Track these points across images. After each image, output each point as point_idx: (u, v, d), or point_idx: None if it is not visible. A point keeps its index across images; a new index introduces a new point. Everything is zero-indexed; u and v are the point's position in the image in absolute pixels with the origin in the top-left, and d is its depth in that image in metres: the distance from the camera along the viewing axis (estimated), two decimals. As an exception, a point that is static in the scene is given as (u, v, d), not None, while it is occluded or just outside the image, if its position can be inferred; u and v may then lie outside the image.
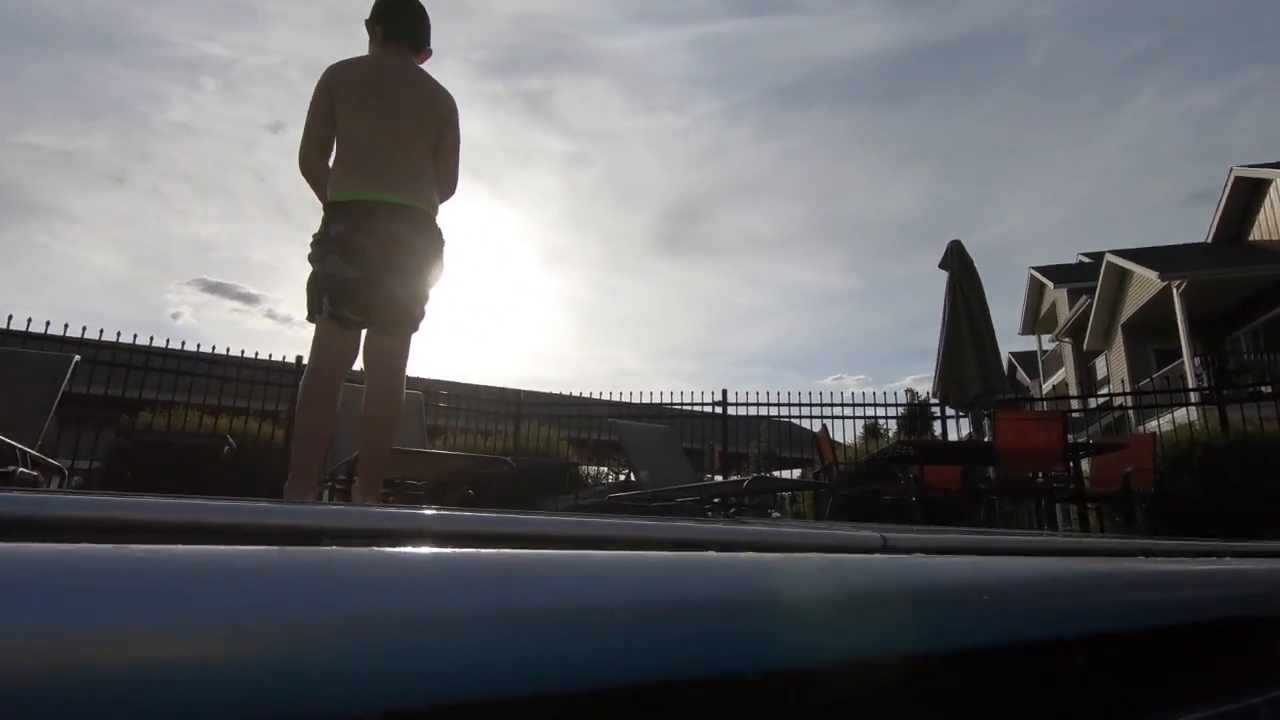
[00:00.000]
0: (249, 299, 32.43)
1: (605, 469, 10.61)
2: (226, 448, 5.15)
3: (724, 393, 8.95)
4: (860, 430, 11.63)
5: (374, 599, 0.29)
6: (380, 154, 2.44)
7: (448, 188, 2.62)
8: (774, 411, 8.90)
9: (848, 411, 8.70)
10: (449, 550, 0.34)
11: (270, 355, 7.72)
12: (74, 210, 24.68)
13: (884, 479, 5.48)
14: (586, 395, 9.41)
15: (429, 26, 2.66)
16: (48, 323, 6.60)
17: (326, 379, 2.38)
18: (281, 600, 0.27)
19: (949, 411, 7.98)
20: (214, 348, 7.63)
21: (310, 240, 2.44)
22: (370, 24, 2.62)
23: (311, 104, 2.49)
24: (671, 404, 8.98)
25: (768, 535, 1.02)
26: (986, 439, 6.07)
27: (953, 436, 8.42)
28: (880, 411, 8.96)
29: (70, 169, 24.53)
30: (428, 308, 2.50)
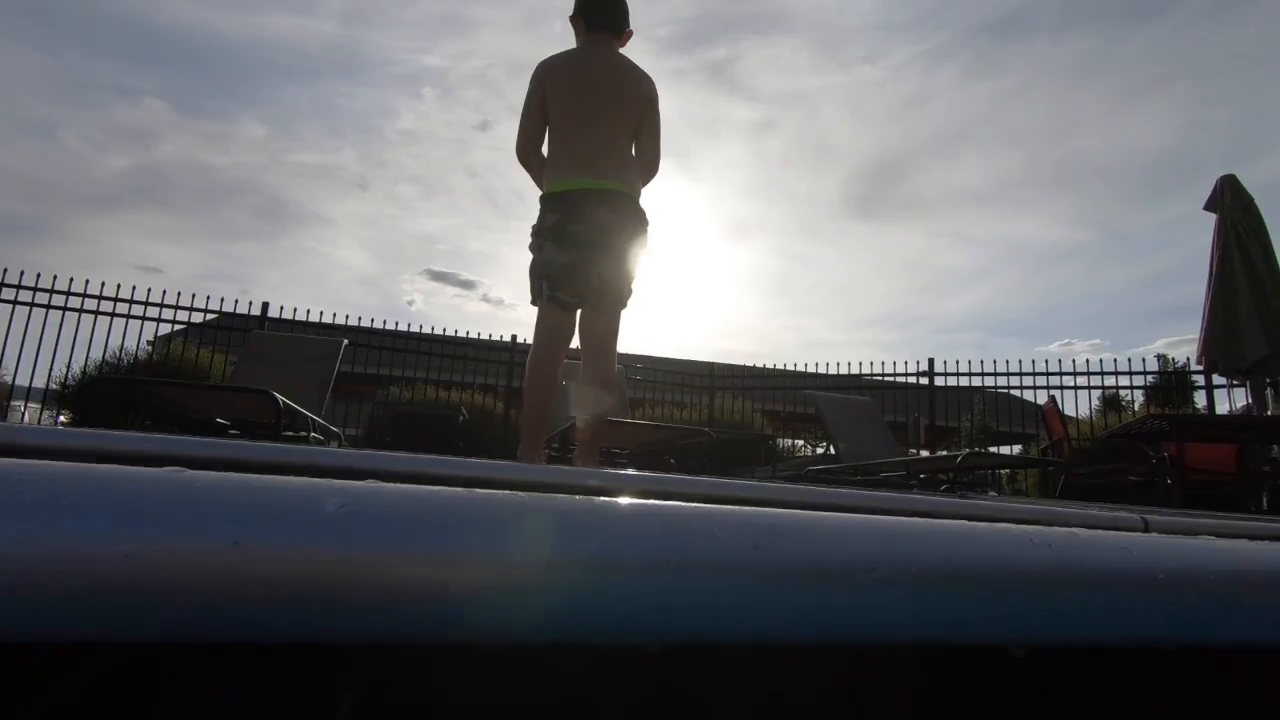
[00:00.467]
0: (467, 285, 36.11)
1: (801, 442, 10.43)
2: (461, 417, 5.83)
3: (930, 362, 8.34)
4: (1095, 403, 10.22)
5: (660, 543, 0.33)
6: (586, 143, 2.57)
7: (650, 169, 2.68)
8: (989, 381, 8.14)
9: (1080, 381, 7.71)
10: (718, 507, 0.37)
11: (489, 335, 8.58)
12: (331, 216, 29.10)
13: (1128, 457, 4.79)
14: (780, 367, 9.29)
15: (626, 9, 2.77)
16: (321, 313, 7.90)
17: (550, 357, 2.58)
18: (588, 539, 0.32)
19: (1217, 380, 6.75)
20: (442, 329, 8.63)
21: (530, 230, 2.64)
22: (573, 18, 2.76)
23: (525, 100, 2.68)
24: (872, 375, 8.56)
25: (1010, 510, 0.95)
26: (1270, 412, 5.06)
27: (1222, 409, 7.11)
28: (1123, 381, 7.80)
29: (327, 181, 28.87)
30: (635, 286, 2.63)
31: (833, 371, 8.63)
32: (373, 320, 8.06)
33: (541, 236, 2.57)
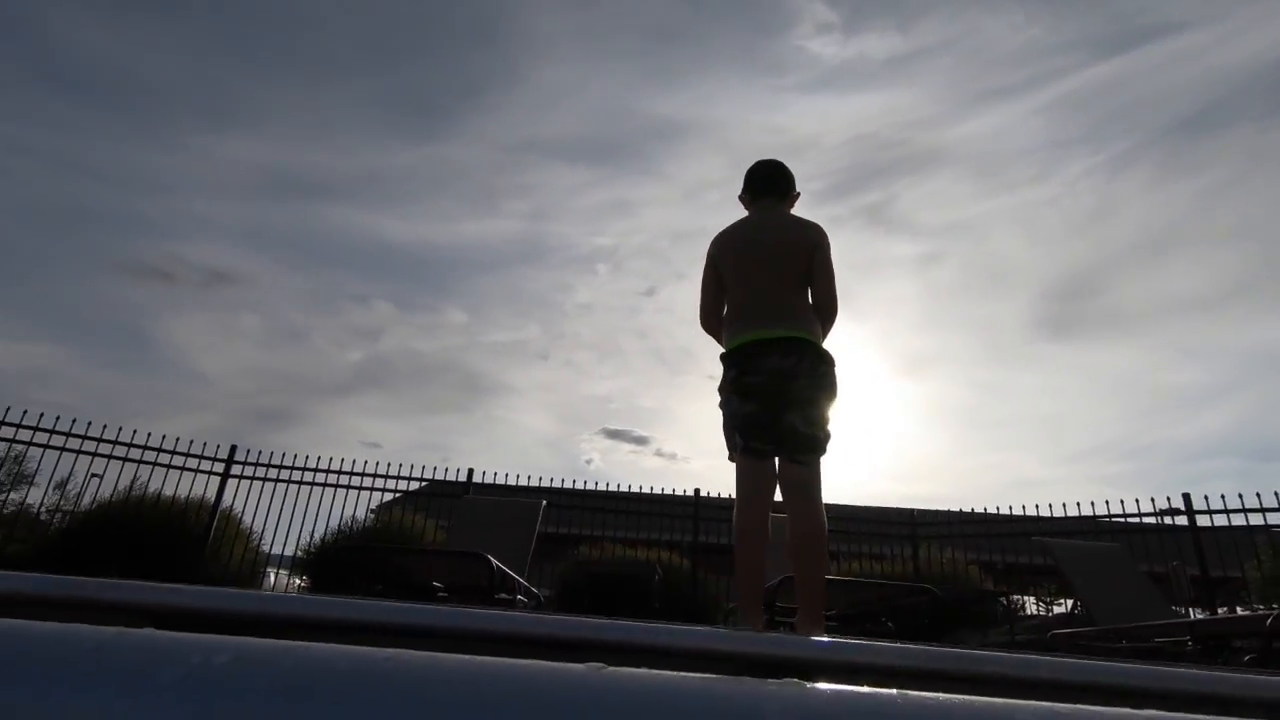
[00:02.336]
0: (641, 441, 37.16)
1: (1030, 599, 8.99)
2: (656, 575, 5.73)
3: (1186, 498, 7.03)
4: None
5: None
6: (755, 298, 2.68)
7: (827, 311, 2.70)
8: (1273, 519, 6.65)
9: None
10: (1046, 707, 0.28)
11: (666, 489, 8.58)
12: (517, 385, 31.91)
13: None
14: (989, 511, 8.29)
15: (787, 174, 2.95)
16: (517, 476, 8.42)
17: (754, 508, 2.52)
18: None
19: None
20: (620, 486, 8.76)
21: (717, 390, 2.71)
22: (741, 196, 2.98)
23: (703, 272, 2.88)
24: (1112, 516, 7.35)
25: None
26: None
27: None
28: None
29: (515, 355, 32.03)
30: (831, 428, 2.54)
31: (1056, 513, 7.53)
32: (563, 481, 8.43)
33: (725, 393, 2.64)
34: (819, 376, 2.54)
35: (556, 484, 8.42)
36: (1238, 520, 6.77)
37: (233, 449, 7.95)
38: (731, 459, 2.63)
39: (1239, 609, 7.98)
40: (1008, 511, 8.01)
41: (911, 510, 8.41)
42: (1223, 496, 6.83)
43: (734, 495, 2.61)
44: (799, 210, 2.93)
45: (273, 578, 8.50)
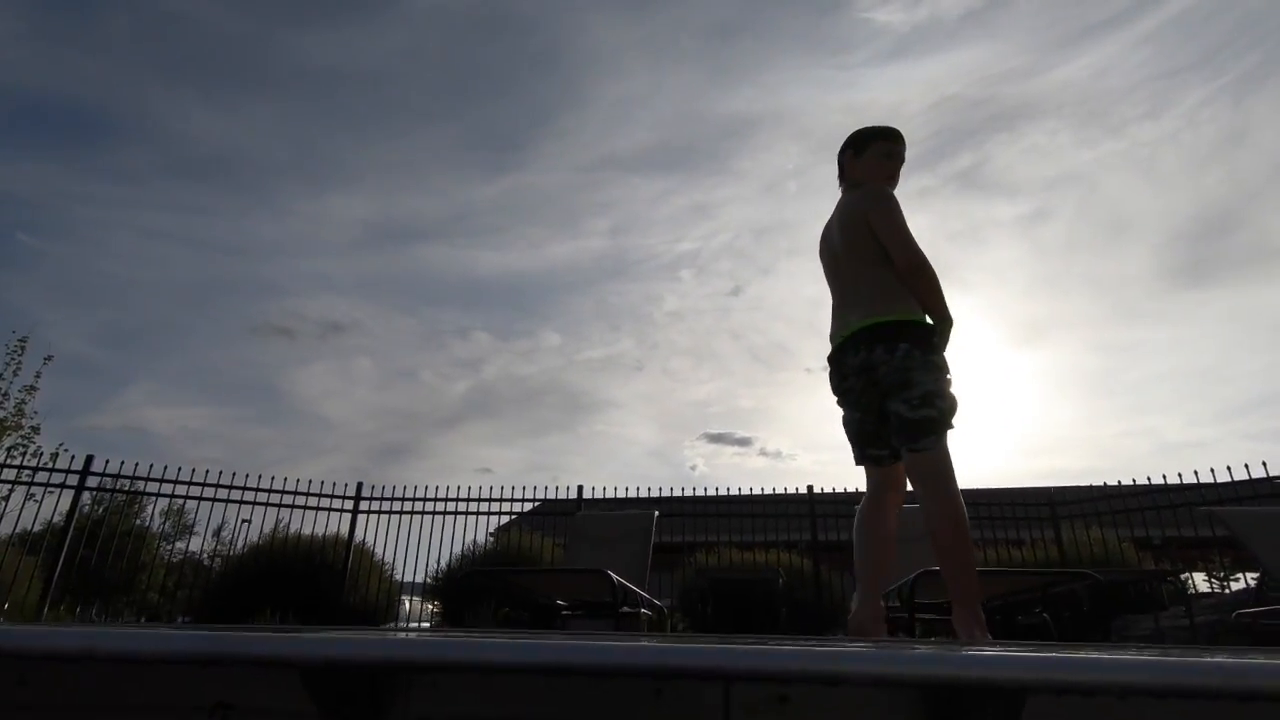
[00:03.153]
0: (744, 442, 36.62)
1: (1200, 575, 8.12)
2: (780, 580, 5.57)
3: (1382, 448, 6.13)
4: None
5: None
6: (835, 297, 2.67)
7: (908, 268, 2.44)
8: None
9: None
10: None
11: (774, 489, 8.36)
12: (617, 399, 32.28)
13: None
14: (1137, 482, 7.55)
15: (846, 143, 2.81)
16: (626, 488, 8.45)
17: (869, 511, 2.52)
18: None
19: None
20: (727, 489, 8.61)
21: None
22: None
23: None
24: (1275, 476, 6.52)
25: None
26: None
27: None
28: None
29: (611, 369, 32.44)
30: (944, 400, 2.33)
31: (1221, 478, 6.73)
32: (672, 489, 8.38)
33: (837, 400, 2.64)
34: (907, 356, 2.34)
35: (665, 493, 8.38)
36: None
37: (359, 486, 8.42)
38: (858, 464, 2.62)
39: None
40: (1159, 481, 7.26)
41: (1049, 489, 7.79)
42: None
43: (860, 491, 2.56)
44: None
45: (407, 605, 8.93)
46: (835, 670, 0.78)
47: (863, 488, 2.63)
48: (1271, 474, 6.51)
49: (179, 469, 7.67)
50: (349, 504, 8.30)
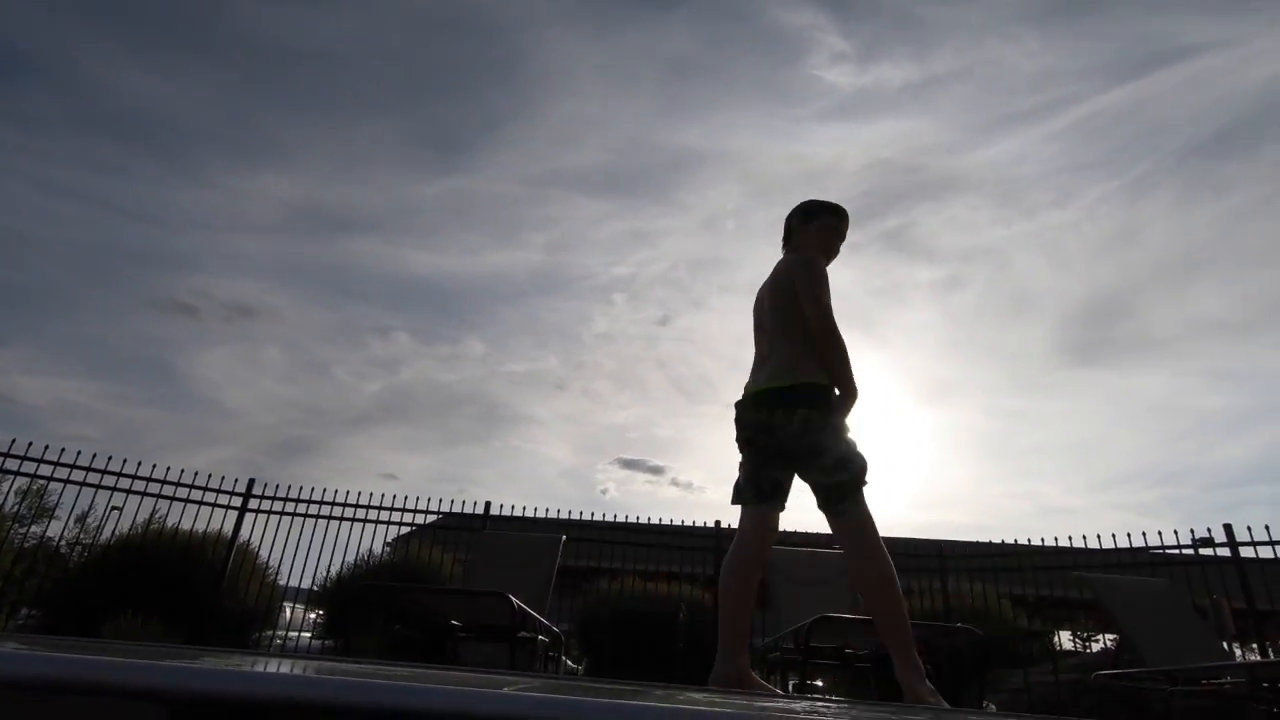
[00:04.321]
0: (657, 470, 36.78)
1: (1064, 633, 8.67)
2: (682, 614, 5.58)
3: (1228, 528, 6.77)
4: None
5: None
6: (756, 354, 2.74)
7: (815, 331, 2.50)
8: (1321, 551, 6.37)
9: None
10: None
11: (683, 520, 8.43)
12: (536, 415, 31.83)
13: None
14: (1018, 542, 8.04)
15: (793, 213, 2.91)
16: (535, 509, 8.31)
17: (737, 552, 2.62)
18: None
19: None
20: (636, 516, 8.60)
21: None
22: None
23: None
24: (1151, 547, 7.08)
25: None
26: None
27: None
28: None
29: (533, 385, 32.02)
30: (856, 464, 2.38)
31: (1091, 544, 7.27)
32: (581, 512, 8.30)
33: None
34: (806, 422, 2.40)
35: (574, 515, 8.30)
36: (1283, 552, 6.49)
37: (250, 482, 7.92)
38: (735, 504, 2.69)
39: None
40: (1037, 542, 7.75)
41: (939, 541, 8.18)
42: (1266, 527, 6.57)
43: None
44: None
45: (289, 612, 8.40)
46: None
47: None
48: (1136, 544, 7.08)
49: (45, 446, 7.01)
50: (237, 500, 7.78)
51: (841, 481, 2.36)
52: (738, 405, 2.63)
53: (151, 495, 7.42)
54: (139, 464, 7.40)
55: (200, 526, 7.49)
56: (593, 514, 8.37)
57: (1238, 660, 3.96)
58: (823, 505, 2.41)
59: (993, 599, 7.57)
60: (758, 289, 2.87)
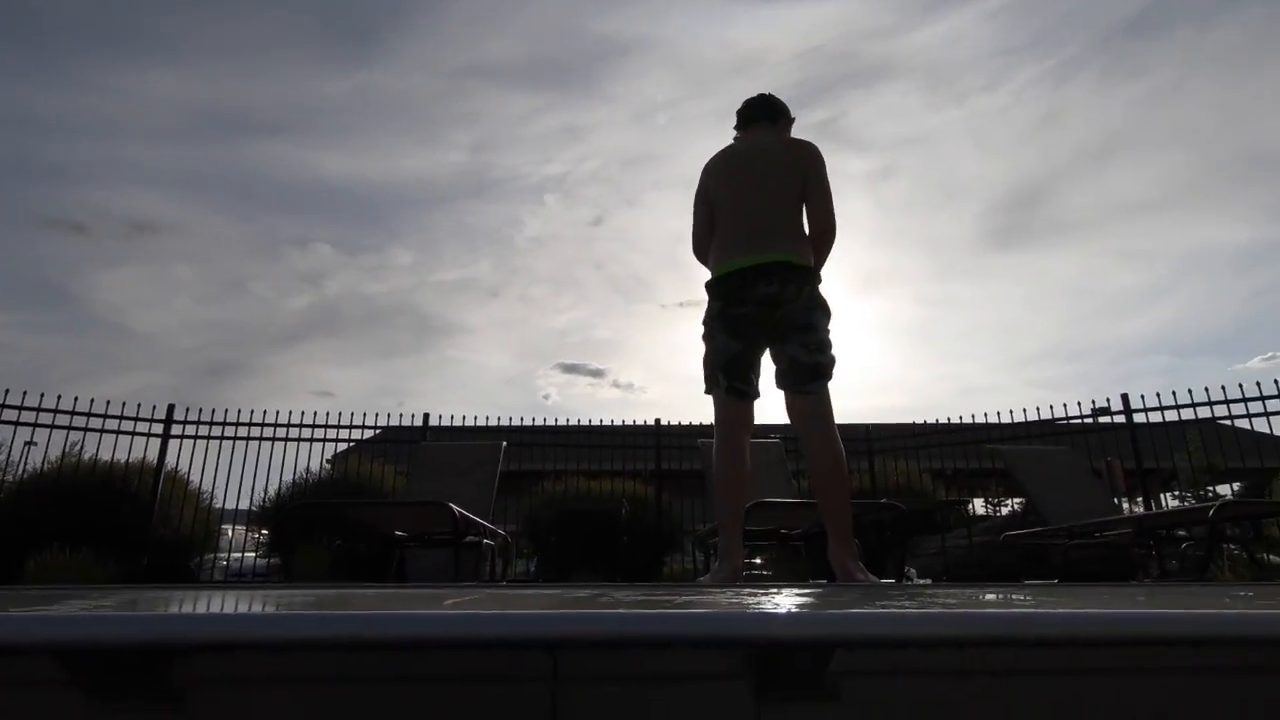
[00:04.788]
0: (597, 373, 37.17)
1: (979, 500, 9.45)
2: (624, 510, 5.76)
3: (1124, 398, 7.34)
4: None
5: None
6: (745, 222, 2.54)
7: (824, 232, 2.55)
8: (1203, 412, 7.00)
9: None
10: None
11: (625, 421, 8.60)
12: (472, 324, 31.30)
13: None
14: (940, 421, 8.56)
15: (777, 102, 2.80)
16: (475, 417, 8.28)
17: (734, 448, 2.50)
18: None
19: None
20: (580, 420, 8.72)
21: (701, 320, 2.62)
22: (735, 129, 2.85)
23: (694, 198, 2.75)
24: (1057, 419, 7.64)
25: None
26: None
27: None
28: None
29: (467, 293, 31.25)
30: (833, 353, 2.46)
31: (1004, 419, 7.80)
32: (519, 419, 8.33)
33: (710, 325, 2.55)
34: (811, 299, 2.43)
35: (516, 422, 8.32)
36: (1171, 416, 7.12)
37: (170, 408, 7.57)
38: (709, 394, 2.58)
39: (1167, 496, 8.54)
40: (958, 420, 8.27)
41: (867, 425, 8.63)
42: (1158, 394, 7.15)
43: (711, 427, 2.59)
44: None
45: (230, 533, 8.30)
46: (664, 633, 0.77)
47: (708, 420, 2.65)
48: (1044, 417, 7.63)
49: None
50: (158, 428, 7.45)
51: (820, 363, 2.42)
52: (735, 277, 2.45)
53: (63, 428, 7.03)
54: (58, 397, 6.97)
55: (122, 457, 7.17)
56: (535, 419, 8.42)
57: (1125, 515, 4.38)
58: (793, 382, 2.42)
59: (915, 475, 8.11)
60: (732, 149, 2.73)
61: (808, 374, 2.41)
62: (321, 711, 0.82)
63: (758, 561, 7.01)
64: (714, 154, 2.74)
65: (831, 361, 2.45)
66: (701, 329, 2.60)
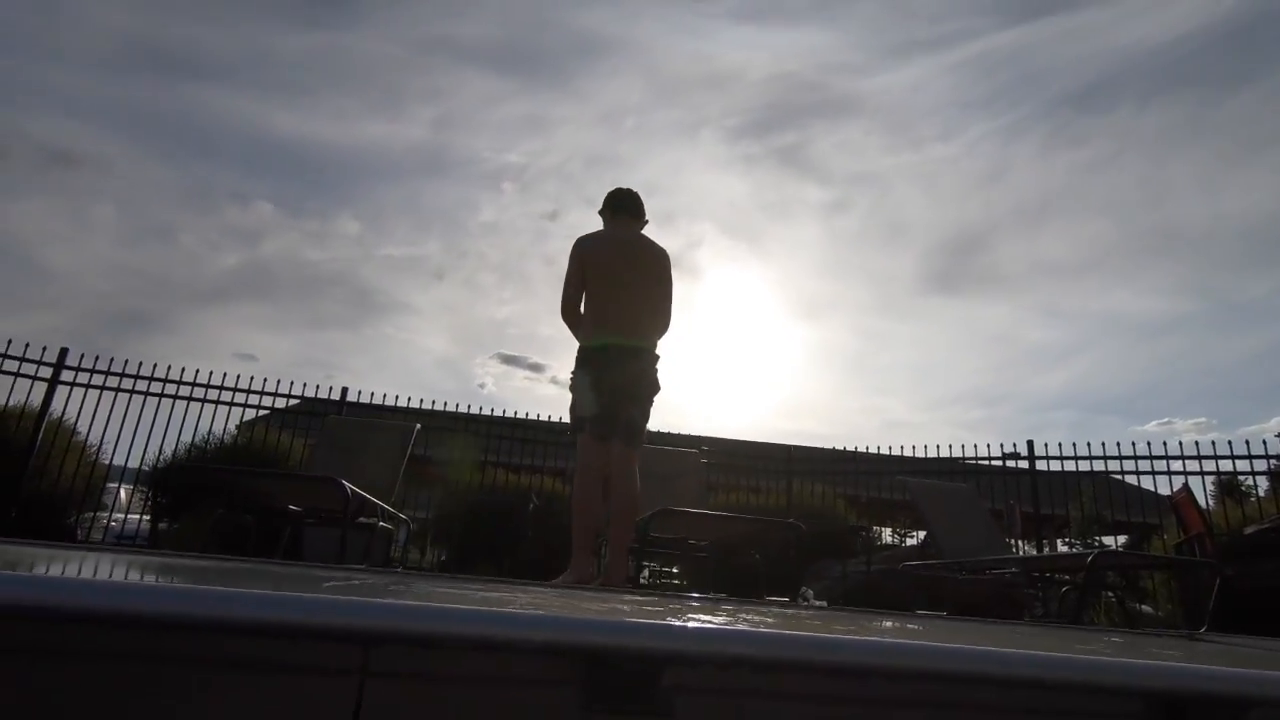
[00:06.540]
0: (536, 368, 36.72)
1: (888, 530, 9.73)
2: (531, 504, 5.66)
3: (1030, 444, 7.70)
4: (1211, 489, 9.03)
5: None
6: (618, 308, 3.15)
7: (666, 325, 3.26)
8: (1098, 465, 7.41)
9: (1194, 465, 6.90)
10: None
11: (558, 418, 8.49)
12: (413, 303, 30.47)
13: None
14: (860, 449, 8.78)
15: (642, 202, 3.43)
16: (397, 397, 8.02)
17: (592, 479, 3.11)
18: None
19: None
20: (513, 412, 8.59)
21: (570, 375, 3.21)
22: (602, 212, 3.43)
23: (568, 270, 3.24)
24: (965, 458, 7.96)
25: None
26: None
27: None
28: (1243, 465, 6.93)
29: (411, 271, 30.44)
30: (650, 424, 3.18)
31: (919, 454, 8.07)
32: (445, 404, 8.11)
33: (580, 382, 3.12)
34: (652, 380, 3.14)
35: (446, 407, 8.10)
36: (1070, 466, 7.51)
37: (63, 351, 7.05)
38: (572, 438, 3.21)
39: (1060, 542, 8.99)
40: (875, 451, 8.51)
41: (789, 446, 8.77)
42: (1059, 445, 7.54)
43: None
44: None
45: (122, 494, 7.79)
46: (482, 632, 0.73)
47: None
48: (955, 455, 7.92)
49: None
50: (46, 371, 6.93)
51: (644, 427, 3.12)
52: (614, 350, 3.07)
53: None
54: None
55: (1, 399, 6.64)
56: (467, 406, 8.20)
57: (1015, 555, 4.56)
58: (629, 436, 3.07)
59: (830, 499, 8.29)
60: (608, 236, 3.30)
61: (635, 434, 3.07)
62: (87, 689, 0.73)
63: (674, 570, 7.02)
64: (588, 235, 3.27)
65: (646, 427, 3.15)
66: (571, 381, 3.19)
